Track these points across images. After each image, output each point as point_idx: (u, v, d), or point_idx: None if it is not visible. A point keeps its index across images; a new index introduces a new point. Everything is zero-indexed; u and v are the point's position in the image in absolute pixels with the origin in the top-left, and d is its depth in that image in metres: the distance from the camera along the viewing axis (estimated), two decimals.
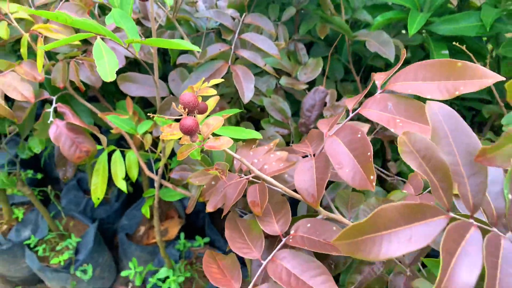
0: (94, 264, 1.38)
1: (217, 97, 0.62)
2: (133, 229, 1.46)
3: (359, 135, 0.49)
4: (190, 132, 0.48)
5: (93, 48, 0.54)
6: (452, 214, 0.37)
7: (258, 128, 0.92)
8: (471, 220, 0.36)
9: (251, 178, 0.63)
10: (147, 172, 0.92)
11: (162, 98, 0.80)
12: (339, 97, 1.19)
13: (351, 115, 0.53)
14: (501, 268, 0.34)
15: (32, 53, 0.87)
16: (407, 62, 1.25)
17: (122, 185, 0.93)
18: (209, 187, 0.69)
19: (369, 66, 1.28)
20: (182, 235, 1.40)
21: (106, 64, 0.53)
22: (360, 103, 0.69)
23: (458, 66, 0.46)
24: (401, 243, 0.33)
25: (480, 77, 0.45)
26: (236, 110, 0.74)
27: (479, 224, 0.36)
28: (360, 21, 1.25)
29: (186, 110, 0.48)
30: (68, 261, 1.33)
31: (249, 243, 0.59)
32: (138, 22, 0.89)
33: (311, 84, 1.21)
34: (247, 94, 0.73)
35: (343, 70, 1.22)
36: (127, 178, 1.18)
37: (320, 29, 1.00)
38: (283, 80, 0.92)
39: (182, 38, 0.81)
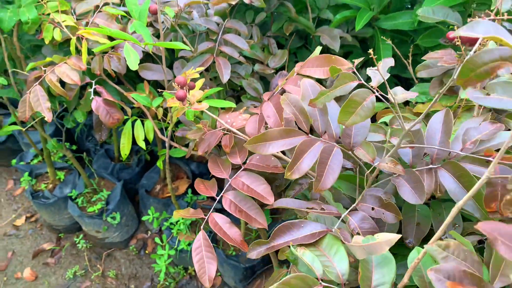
0: (121, 213, 1.76)
1: (203, 79, 0.97)
2: (150, 187, 1.83)
3: (280, 100, 0.84)
4: (181, 99, 0.83)
5: (123, 49, 0.90)
6: (310, 136, 0.72)
7: (239, 101, 1.27)
8: (320, 139, 0.71)
9: (225, 132, 0.98)
10: (160, 135, 1.27)
11: (169, 81, 1.15)
12: None
13: (279, 90, 0.88)
14: (331, 159, 0.68)
15: (76, 49, 1.23)
16: (365, 50, 1.58)
17: (142, 144, 1.29)
18: (200, 140, 1.05)
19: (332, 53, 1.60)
20: (190, 191, 1.77)
21: (132, 59, 0.88)
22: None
23: (332, 58, 0.80)
24: (278, 146, 0.68)
25: (342, 65, 0.79)
26: (218, 89, 1.09)
27: (324, 140, 0.71)
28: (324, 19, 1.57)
29: (179, 86, 0.83)
30: (101, 209, 1.72)
31: (223, 170, 0.95)
32: (150, 24, 1.23)
33: (282, 69, 1.55)
34: (225, 77, 1.07)
35: None
36: (146, 141, 1.55)
37: (286, 28, 1.34)
38: (257, 67, 1.26)
39: (182, 38, 1.16)
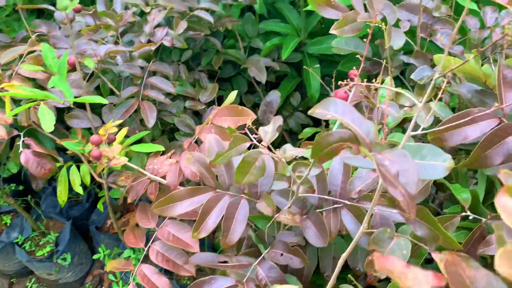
0: (72, 252, 1.74)
1: (125, 130, 0.98)
2: (101, 222, 1.82)
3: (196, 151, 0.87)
4: (97, 158, 0.85)
5: (38, 111, 0.90)
6: (217, 191, 0.75)
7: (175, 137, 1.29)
8: (228, 192, 0.74)
9: (151, 179, 1.00)
10: (97, 178, 1.28)
11: (96, 128, 1.16)
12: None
13: (195, 138, 0.91)
14: (238, 212, 0.72)
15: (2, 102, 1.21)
16: (299, 72, 1.63)
17: (79, 190, 1.28)
18: (129, 188, 1.06)
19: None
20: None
21: (47, 121, 0.89)
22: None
23: (239, 109, 0.84)
24: (186, 206, 0.71)
25: (248, 116, 0.82)
26: (144, 133, 1.10)
27: (230, 193, 0.74)
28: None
29: (94, 145, 0.85)
30: (50, 252, 1.70)
31: (151, 219, 0.97)
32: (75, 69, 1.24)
33: (220, 100, 1.58)
34: (151, 121, 1.09)
35: (247, 85, 1.59)
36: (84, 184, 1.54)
37: (215, 61, 1.37)
38: (187, 103, 1.28)
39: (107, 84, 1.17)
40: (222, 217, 0.70)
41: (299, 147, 1.40)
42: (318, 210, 0.79)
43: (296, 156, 1.01)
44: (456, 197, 0.72)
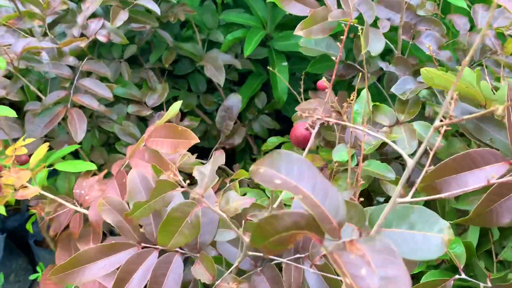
0: (7, 270, 1.53)
1: (44, 148, 0.79)
2: (41, 236, 1.62)
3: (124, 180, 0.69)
4: None
5: None
6: (143, 245, 0.58)
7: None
8: (157, 247, 0.57)
9: (76, 209, 0.81)
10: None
11: (15, 140, 0.96)
12: (200, 108, 1.39)
13: (125, 162, 0.73)
14: (169, 273, 0.55)
15: None
16: (266, 68, 1.45)
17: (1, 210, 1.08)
18: (53, 218, 0.87)
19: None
20: None
21: None
22: None
23: (179, 129, 0.66)
24: (97, 270, 0.53)
25: (189, 139, 0.65)
26: (70, 149, 0.91)
27: (160, 247, 0.57)
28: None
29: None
30: None
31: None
32: None
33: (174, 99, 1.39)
34: (79, 134, 0.90)
35: (206, 83, 1.40)
36: None
37: (166, 58, 1.18)
38: (130, 108, 1.09)
39: (29, 86, 0.96)
40: (147, 284, 0.54)
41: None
42: (275, 262, 0.63)
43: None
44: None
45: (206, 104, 1.34)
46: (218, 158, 0.56)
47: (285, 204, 0.77)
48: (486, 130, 0.59)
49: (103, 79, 1.06)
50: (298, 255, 0.63)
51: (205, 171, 0.54)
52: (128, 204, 0.62)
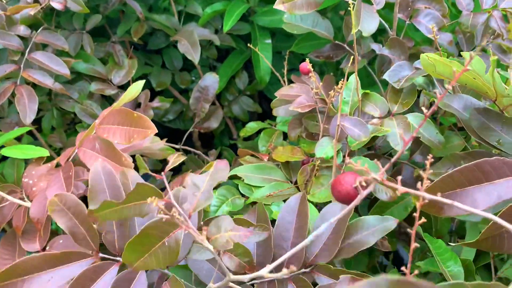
0: None
1: None
2: None
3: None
4: None
5: None
6: (101, 255, 0.49)
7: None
8: (118, 259, 0.48)
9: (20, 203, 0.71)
10: None
11: None
12: (176, 87, 1.27)
13: (74, 152, 0.62)
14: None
15: None
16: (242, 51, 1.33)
17: None
18: None
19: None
20: None
21: None
22: None
23: (134, 116, 0.56)
24: (40, 285, 0.44)
25: (146, 128, 0.55)
26: (23, 129, 0.80)
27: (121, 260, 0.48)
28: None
29: None
30: None
31: (17, 258, 0.69)
32: None
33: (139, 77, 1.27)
34: (29, 115, 0.79)
35: (182, 60, 1.28)
36: None
37: (135, 30, 1.05)
38: (93, 86, 0.98)
39: None
40: None
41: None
42: (255, 282, 0.54)
43: None
44: (440, 268, 0.49)
45: (181, 82, 1.22)
46: (220, 171, 0.46)
47: (256, 202, 0.68)
48: (495, 130, 0.50)
49: (62, 53, 0.94)
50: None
51: (200, 184, 0.44)
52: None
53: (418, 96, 0.76)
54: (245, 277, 0.40)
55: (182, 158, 0.44)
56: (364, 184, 0.36)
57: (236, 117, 1.29)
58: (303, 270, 0.55)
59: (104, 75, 1.01)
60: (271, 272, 0.36)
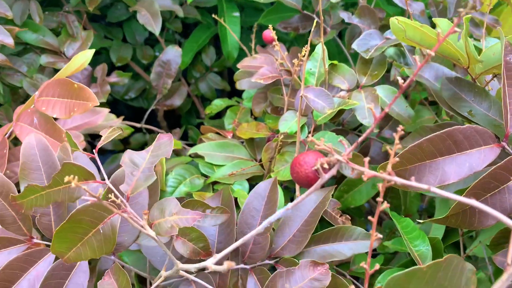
0: None
1: None
2: None
3: None
4: None
5: None
6: (37, 241, 0.43)
7: None
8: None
9: None
10: None
11: None
12: (138, 63, 1.20)
13: (10, 128, 0.56)
14: (70, 280, 0.41)
15: None
16: (209, 25, 1.26)
17: None
18: None
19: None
20: None
21: None
22: None
23: (75, 87, 0.50)
24: None
25: (87, 100, 0.49)
26: None
27: None
28: None
29: None
30: None
31: None
32: None
33: (98, 51, 1.18)
34: None
35: (144, 34, 1.21)
36: None
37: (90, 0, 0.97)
38: (43, 59, 0.90)
39: None
40: None
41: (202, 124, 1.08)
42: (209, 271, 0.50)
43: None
44: (408, 249, 0.46)
45: (144, 57, 1.15)
46: (163, 145, 0.41)
47: (217, 182, 0.64)
48: (466, 100, 0.47)
49: (7, 21, 0.86)
50: (242, 265, 0.50)
51: (139, 162, 0.39)
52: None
53: (389, 70, 0.73)
54: (191, 267, 0.35)
55: (117, 132, 0.38)
56: (326, 166, 0.32)
57: (203, 95, 1.23)
58: (266, 261, 0.51)
59: (56, 47, 0.93)
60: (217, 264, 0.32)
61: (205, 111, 0.99)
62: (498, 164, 0.35)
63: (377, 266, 0.30)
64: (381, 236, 0.34)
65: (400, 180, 0.28)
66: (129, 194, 0.36)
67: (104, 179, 0.39)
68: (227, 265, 0.29)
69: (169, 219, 0.36)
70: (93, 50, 0.64)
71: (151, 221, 0.37)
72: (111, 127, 0.57)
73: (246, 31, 1.23)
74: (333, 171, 0.33)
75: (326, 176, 0.33)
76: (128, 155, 0.37)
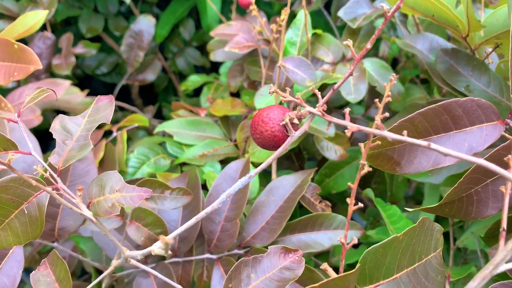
0: None
1: None
2: None
3: None
4: None
5: None
6: None
7: None
8: None
9: None
10: None
11: None
12: (111, 35, 1.12)
13: None
14: (1, 270, 0.34)
15: None
16: None
17: None
18: None
19: None
20: None
21: None
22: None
23: (15, 48, 0.42)
24: None
25: (29, 63, 0.42)
26: None
27: None
28: None
29: None
30: None
31: None
32: None
33: (67, 22, 1.10)
34: None
35: (117, 3, 1.12)
36: None
37: None
38: (1, 25, 0.81)
39: None
40: None
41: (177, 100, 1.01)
42: (173, 260, 0.44)
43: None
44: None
45: (116, 29, 1.07)
46: (102, 108, 0.34)
47: (185, 164, 0.58)
48: (463, 74, 0.41)
49: None
50: (208, 255, 0.45)
51: (73, 129, 0.32)
52: None
53: (377, 45, 0.67)
54: (136, 253, 0.30)
55: (45, 93, 0.32)
56: (296, 121, 0.27)
57: (181, 71, 1.16)
58: (235, 251, 0.45)
59: (16, 13, 0.84)
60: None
61: (180, 87, 0.92)
62: (502, 144, 0.29)
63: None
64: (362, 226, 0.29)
65: (391, 135, 0.22)
66: (59, 167, 0.30)
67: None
68: (166, 245, 0.23)
69: (110, 196, 0.30)
70: (47, 12, 0.57)
71: (88, 199, 0.31)
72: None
73: (227, 3, 1.16)
74: (305, 127, 0.28)
75: (296, 133, 0.28)
76: (60, 121, 0.31)
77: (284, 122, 0.27)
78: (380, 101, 0.48)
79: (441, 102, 0.29)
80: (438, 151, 0.20)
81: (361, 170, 0.28)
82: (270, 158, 0.28)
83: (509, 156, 0.22)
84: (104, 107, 0.32)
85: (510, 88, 0.33)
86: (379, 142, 0.31)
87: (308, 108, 0.26)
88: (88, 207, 0.30)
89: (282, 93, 0.27)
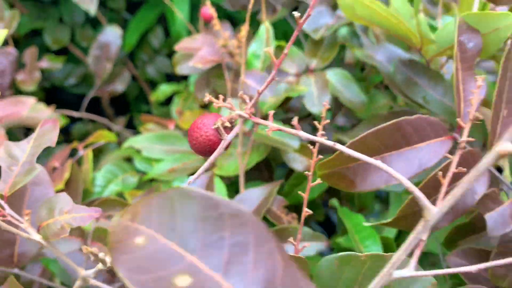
0: None
1: None
2: None
3: None
4: None
5: None
6: None
7: None
8: None
9: None
10: None
11: None
12: (78, 46, 1.10)
13: None
14: None
15: None
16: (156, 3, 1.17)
17: None
18: None
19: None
20: None
21: None
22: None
23: None
24: None
25: None
26: None
27: None
28: None
29: None
30: None
31: None
32: None
33: (33, 32, 1.08)
34: None
35: (83, 13, 1.10)
36: None
37: None
38: None
39: None
40: None
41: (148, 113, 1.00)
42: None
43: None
44: (357, 249, 0.42)
45: (83, 39, 1.05)
46: (47, 131, 0.34)
47: (154, 180, 0.57)
48: (420, 85, 0.42)
49: None
50: None
51: (19, 154, 0.32)
52: None
53: (341, 52, 0.68)
54: (90, 273, 0.30)
55: None
56: (228, 124, 0.28)
57: (152, 80, 1.15)
58: None
59: None
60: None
61: (151, 98, 0.91)
62: (448, 160, 0.30)
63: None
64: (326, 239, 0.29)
65: (345, 150, 0.23)
66: (6, 193, 0.29)
67: None
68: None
69: (59, 219, 0.30)
70: (6, 31, 0.55)
71: (38, 223, 0.31)
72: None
73: (196, 10, 1.15)
74: (236, 129, 0.30)
75: (229, 136, 0.29)
76: (5, 148, 0.31)
77: (215, 126, 0.29)
78: (343, 112, 0.49)
79: (392, 122, 0.30)
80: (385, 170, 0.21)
81: (310, 182, 0.30)
82: (207, 161, 0.29)
83: (439, 173, 0.23)
84: (48, 130, 0.32)
85: (455, 102, 0.34)
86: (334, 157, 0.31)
87: (238, 111, 0.28)
88: (38, 230, 0.30)
89: (214, 100, 0.28)
